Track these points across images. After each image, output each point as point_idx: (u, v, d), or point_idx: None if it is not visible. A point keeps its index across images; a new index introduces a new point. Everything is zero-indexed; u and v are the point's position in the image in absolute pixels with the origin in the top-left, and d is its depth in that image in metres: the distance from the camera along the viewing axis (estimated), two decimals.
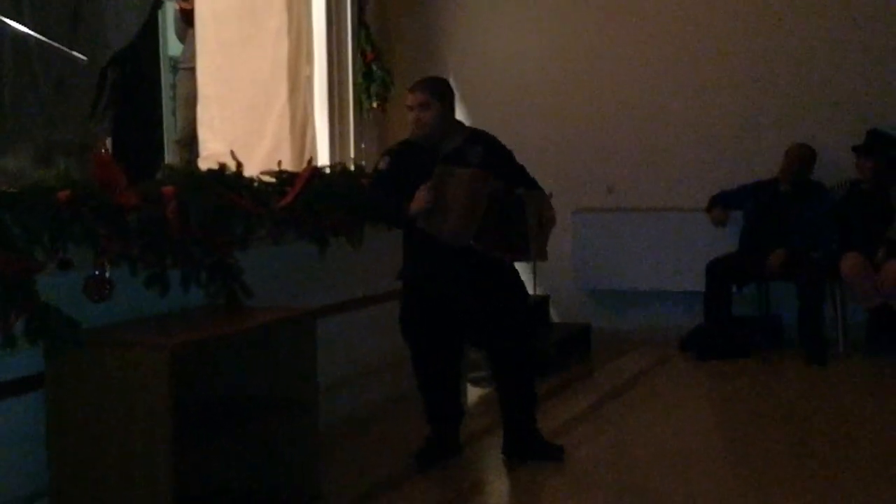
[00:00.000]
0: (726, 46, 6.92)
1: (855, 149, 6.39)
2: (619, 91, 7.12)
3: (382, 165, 4.29)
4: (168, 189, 3.81)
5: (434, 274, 4.18)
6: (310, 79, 5.96)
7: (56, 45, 5.39)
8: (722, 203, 6.60)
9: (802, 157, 6.44)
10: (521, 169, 4.31)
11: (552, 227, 4.17)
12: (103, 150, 3.81)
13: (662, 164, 7.05)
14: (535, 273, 5.83)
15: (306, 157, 5.53)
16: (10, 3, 6.20)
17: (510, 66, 7.25)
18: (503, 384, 4.27)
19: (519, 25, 7.26)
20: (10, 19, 5.00)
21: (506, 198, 4.07)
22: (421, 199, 4.00)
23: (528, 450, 4.23)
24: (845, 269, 6.14)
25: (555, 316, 6.99)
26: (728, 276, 6.37)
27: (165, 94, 6.90)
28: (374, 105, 6.29)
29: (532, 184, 4.24)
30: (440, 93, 4.23)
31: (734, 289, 6.39)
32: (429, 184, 3.99)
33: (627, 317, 7.06)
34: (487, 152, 4.19)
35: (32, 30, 5.27)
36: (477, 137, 4.28)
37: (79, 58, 5.49)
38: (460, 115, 6.94)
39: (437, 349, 4.28)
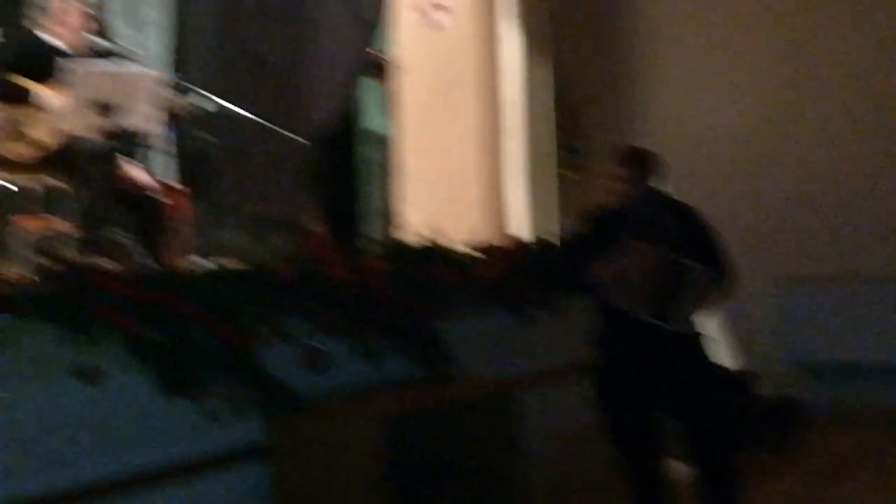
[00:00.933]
0: None
1: None
2: (832, 156, 6.84)
3: (575, 230, 4.32)
4: (376, 263, 3.92)
5: (624, 343, 4.12)
6: (508, 151, 6.04)
7: (270, 125, 5.66)
8: None
9: None
10: (716, 245, 4.19)
11: (703, 304, 4.06)
12: (316, 226, 3.95)
13: (881, 230, 6.68)
14: (735, 344, 5.66)
15: (505, 229, 5.58)
16: (224, 86, 6.60)
17: (711, 131, 7.11)
18: (699, 464, 4.12)
19: (713, 90, 7.14)
20: (226, 101, 5.29)
21: (683, 270, 4.01)
22: (601, 269, 3.99)
23: None
24: None
25: (759, 389, 6.71)
26: None
27: (364, 168, 7.15)
28: (573, 176, 6.29)
29: (723, 264, 4.13)
30: (639, 162, 4.22)
31: None
32: (612, 254, 3.97)
33: (841, 392, 6.69)
34: (683, 225, 4.12)
35: (246, 110, 5.56)
36: (675, 209, 4.23)
37: (295, 139, 5.74)
38: (660, 183, 6.91)
39: (633, 420, 4.17)
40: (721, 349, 6.44)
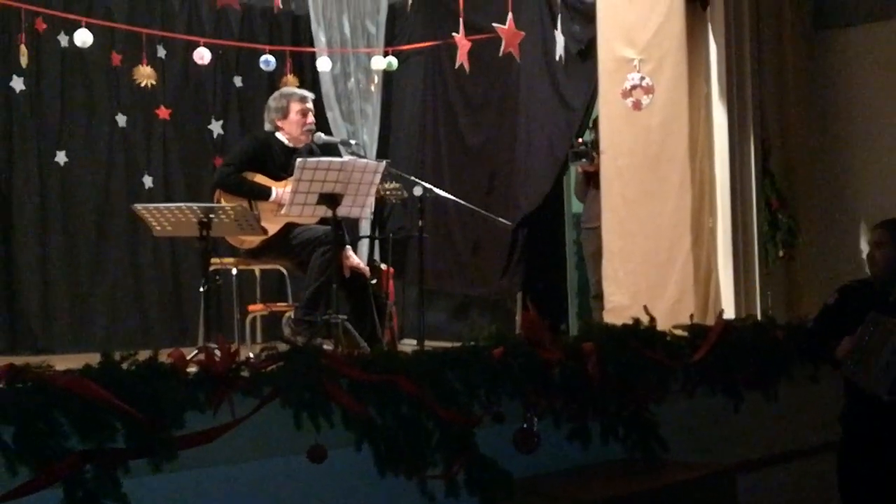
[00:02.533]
0: None
1: None
2: None
3: (830, 301, 4.26)
4: (589, 345, 3.95)
5: (870, 425, 3.94)
6: (713, 230, 5.95)
7: (475, 208, 5.83)
8: None
9: None
10: None
11: None
12: (530, 309, 4.03)
13: None
14: None
15: (711, 310, 5.49)
16: (431, 171, 6.87)
17: None
18: None
19: None
20: (434, 186, 5.51)
21: None
22: (846, 344, 3.86)
23: None
24: None
25: None
26: None
27: (569, 249, 7.23)
28: (781, 254, 6.13)
29: None
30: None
31: None
32: (858, 330, 3.84)
33: None
34: None
35: (453, 195, 5.76)
36: None
37: (501, 222, 5.89)
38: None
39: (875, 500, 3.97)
40: None
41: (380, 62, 7.57)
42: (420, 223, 5.27)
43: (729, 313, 5.71)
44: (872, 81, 7.09)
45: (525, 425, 3.66)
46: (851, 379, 3.88)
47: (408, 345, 4.70)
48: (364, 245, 6.79)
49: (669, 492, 3.82)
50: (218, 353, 3.12)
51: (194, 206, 4.42)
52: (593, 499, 3.44)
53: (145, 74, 6.89)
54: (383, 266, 5.78)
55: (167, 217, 4.45)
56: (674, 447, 4.08)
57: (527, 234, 7.03)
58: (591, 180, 6.56)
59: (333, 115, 7.45)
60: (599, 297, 6.19)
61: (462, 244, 7.37)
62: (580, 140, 6.58)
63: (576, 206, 7.16)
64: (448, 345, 3.81)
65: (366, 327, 5.06)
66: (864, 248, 6.80)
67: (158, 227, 4.54)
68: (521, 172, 7.17)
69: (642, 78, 5.82)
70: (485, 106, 7.49)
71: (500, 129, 7.36)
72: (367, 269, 5.34)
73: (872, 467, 3.96)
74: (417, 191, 5.20)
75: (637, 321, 4.36)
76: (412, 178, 5.39)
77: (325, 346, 3.70)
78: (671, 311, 5.41)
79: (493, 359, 3.57)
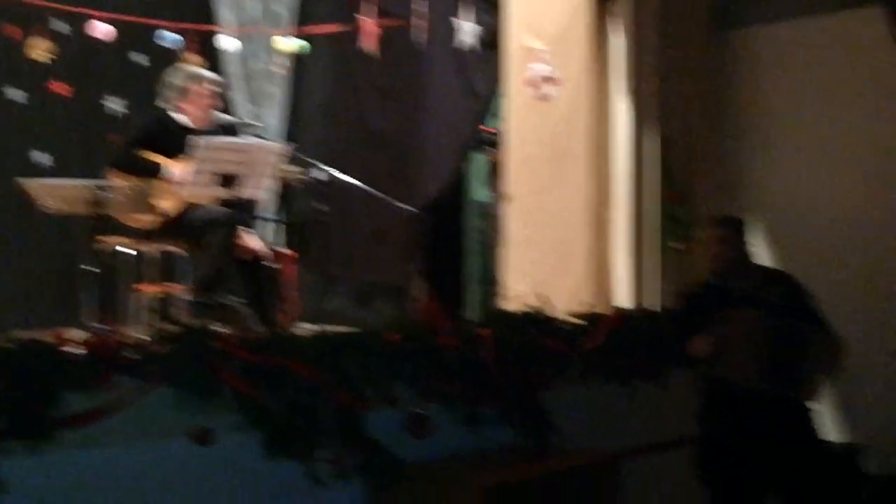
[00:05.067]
0: None
1: None
2: None
3: (678, 307, 4.38)
4: (484, 331, 3.98)
5: (723, 418, 4.07)
6: (613, 222, 6.05)
7: (380, 195, 5.81)
8: None
9: None
10: (818, 315, 4.17)
11: (831, 370, 4.03)
12: (424, 295, 4.04)
13: None
14: (847, 418, 5.50)
15: (609, 300, 5.58)
16: (337, 157, 6.82)
17: (826, 202, 6.99)
18: None
19: (834, 158, 7.01)
20: (339, 171, 5.46)
21: (792, 334, 3.95)
22: (702, 344, 3.96)
23: None
24: None
25: (872, 467, 6.48)
26: None
27: (470, 237, 7.26)
28: (678, 246, 6.27)
29: (827, 328, 4.12)
30: (737, 229, 4.28)
31: None
32: (715, 326, 3.96)
33: None
34: (783, 293, 4.11)
35: (357, 180, 5.73)
36: (774, 277, 4.22)
37: (404, 208, 5.88)
38: (768, 254, 6.82)
39: (736, 495, 4.09)
40: (829, 423, 6.27)
41: (288, 43, 7.48)
42: (323, 208, 5.23)
43: (627, 303, 5.82)
44: (772, 81, 7.28)
45: (418, 411, 3.67)
46: (717, 374, 3.99)
47: (307, 330, 4.65)
48: (264, 228, 6.71)
49: (558, 478, 3.87)
50: (105, 333, 3.05)
51: (87, 182, 4.31)
52: (484, 484, 3.46)
53: (39, 47, 6.66)
54: (284, 250, 5.71)
55: (59, 193, 4.33)
56: (565, 434, 4.12)
57: (429, 221, 7.03)
58: (498, 169, 6.60)
59: (237, 96, 7.34)
60: (499, 284, 6.24)
61: (365, 230, 7.34)
62: (489, 129, 6.62)
63: (478, 193, 7.19)
64: (348, 331, 3.80)
65: (263, 311, 5.00)
66: (758, 243, 7.00)
67: (51, 203, 4.41)
68: (426, 159, 7.17)
69: (547, 69, 5.88)
70: (392, 92, 7.46)
71: (406, 116, 7.35)
72: (268, 252, 5.28)
73: (731, 460, 4.08)
74: (321, 175, 5.16)
75: (534, 309, 4.40)
76: (316, 162, 5.34)
77: (218, 329, 3.64)
78: (570, 300, 5.49)
79: (388, 344, 3.56)
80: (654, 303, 5.90)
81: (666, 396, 4.89)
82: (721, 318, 4.02)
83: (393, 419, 3.63)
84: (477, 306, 6.67)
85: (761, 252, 6.82)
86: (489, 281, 6.84)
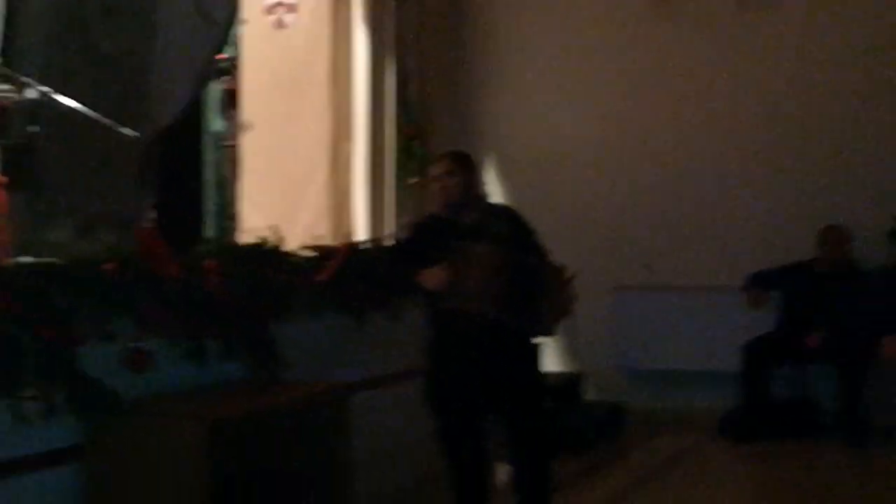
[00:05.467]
0: (764, 128, 6.96)
1: (891, 235, 6.35)
2: (658, 171, 7.16)
3: (402, 236, 4.37)
4: (211, 263, 3.87)
5: (455, 348, 4.16)
6: (350, 154, 6.05)
7: (104, 119, 5.50)
8: (759, 283, 6.57)
9: (837, 239, 6.42)
10: (542, 249, 4.29)
11: (571, 306, 4.15)
12: (147, 224, 3.87)
13: (701, 242, 7.05)
14: (570, 350, 5.81)
15: (345, 232, 5.59)
16: (59, 78, 6.38)
17: (548, 143, 7.32)
18: (517, 466, 4.21)
19: (557, 101, 7.34)
20: (60, 94, 5.13)
21: (530, 269, 4.07)
22: (437, 277, 4.03)
23: None
24: (888, 353, 6.07)
25: (590, 394, 6.93)
26: (766, 356, 6.32)
27: (208, 168, 7.03)
28: (414, 181, 6.35)
29: (550, 264, 4.22)
30: (465, 164, 4.30)
31: (772, 370, 6.33)
32: (446, 263, 4.01)
33: (664, 397, 6.98)
34: (510, 227, 4.20)
35: (81, 104, 5.40)
36: (500, 212, 4.31)
37: (128, 133, 5.60)
38: (499, 190, 7.06)
39: (460, 424, 4.22)
40: (553, 354, 6.62)
41: None
42: (37, 130, 4.88)
43: (363, 236, 5.85)
44: (507, 23, 7.48)
45: (137, 344, 3.53)
46: (454, 307, 4.06)
47: (23, 263, 4.35)
48: None
49: (286, 409, 3.85)
50: None
51: None
52: (209, 417, 3.38)
53: None
54: None
55: None
56: (296, 367, 4.11)
57: (162, 151, 6.74)
58: (235, 98, 6.41)
59: None
60: (232, 216, 6.11)
61: (89, 157, 6.94)
62: (222, 56, 6.39)
63: (215, 123, 6.97)
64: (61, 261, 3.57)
65: None
66: (491, 177, 7.23)
67: None
68: (158, 86, 6.84)
69: None
70: (121, 13, 7.04)
71: (136, 39, 6.96)
72: None
73: (458, 388, 4.19)
74: (33, 94, 4.81)
75: (263, 240, 4.33)
76: (31, 81, 4.97)
77: None
78: (306, 233, 5.45)
79: (102, 274, 3.39)
80: (390, 236, 5.97)
81: (397, 328, 4.98)
82: (453, 249, 4.05)
83: (111, 354, 3.47)
84: (213, 239, 6.49)
85: (493, 188, 7.07)
86: (226, 213, 6.68)
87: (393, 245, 4.52)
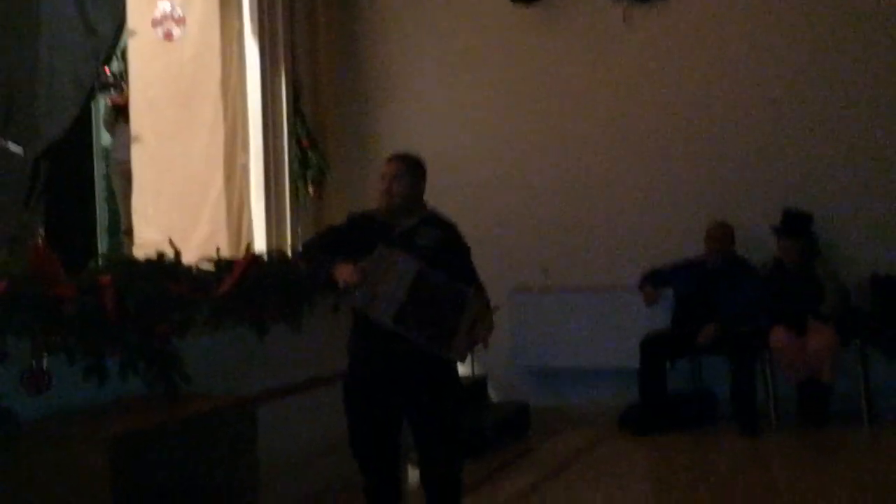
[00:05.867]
0: (652, 131, 7.15)
1: (775, 230, 6.59)
2: (551, 174, 7.30)
3: (338, 223, 4.28)
4: (105, 279, 3.81)
5: (372, 352, 4.15)
6: (245, 166, 6.01)
7: None
8: (652, 281, 6.75)
9: (723, 236, 6.63)
10: (472, 270, 4.24)
11: (486, 336, 4.08)
12: (39, 242, 3.79)
13: (595, 244, 7.21)
14: (472, 352, 5.85)
15: (243, 244, 5.55)
16: None
17: (443, 149, 7.36)
18: (427, 470, 4.23)
19: (450, 109, 7.43)
20: None
21: (449, 290, 4.05)
22: (347, 273, 3.93)
23: None
24: (774, 344, 6.31)
25: (493, 395, 7.02)
26: (661, 352, 6.49)
27: (98, 184, 6.91)
28: (310, 191, 6.35)
29: (477, 288, 4.16)
30: (415, 169, 4.22)
31: (668, 365, 6.51)
32: (364, 261, 3.96)
33: (565, 395, 7.12)
34: (443, 239, 4.14)
35: None
36: (437, 221, 4.22)
37: (13, 149, 5.47)
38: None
39: (374, 427, 4.21)
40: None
41: None
42: None
43: (261, 248, 5.82)
44: (395, 37, 7.53)
45: (34, 364, 3.46)
46: (359, 308, 4.04)
47: None
48: None
49: (189, 423, 3.81)
50: None
51: None
52: (109, 435, 3.33)
53: None
54: None
55: None
56: (198, 380, 4.07)
57: (50, 166, 6.59)
58: (121, 113, 6.32)
59: None
60: (130, 232, 6.01)
61: None
62: (108, 70, 6.30)
63: (105, 138, 6.85)
64: None
65: None
66: None
67: None
68: (44, 100, 6.68)
69: (173, 8, 5.69)
70: (3, 27, 6.85)
71: (19, 53, 6.78)
72: None
73: (372, 391, 4.18)
74: None
75: (161, 254, 4.28)
76: None
77: None
78: (203, 246, 5.40)
79: None
80: (287, 246, 5.96)
81: (301, 338, 4.97)
82: (375, 256, 3.96)
83: (6, 375, 3.39)
84: (107, 255, 6.38)
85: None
86: (119, 229, 6.57)
87: (320, 232, 4.34)
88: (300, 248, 4.36)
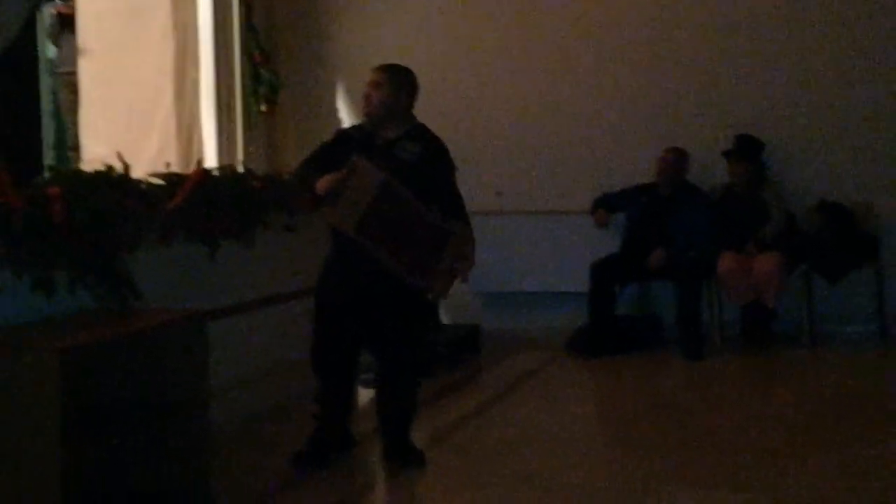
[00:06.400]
0: (605, 56, 7.15)
1: (726, 154, 6.66)
2: (505, 97, 7.28)
3: (327, 139, 4.27)
4: (54, 190, 3.74)
5: (345, 271, 4.15)
6: (196, 81, 5.91)
7: None
8: (604, 206, 6.80)
9: (676, 161, 6.68)
10: (453, 191, 4.21)
11: (466, 271, 4.13)
12: None
13: (547, 168, 7.23)
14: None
15: (194, 160, 5.49)
16: None
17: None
18: (383, 394, 4.27)
19: (405, 28, 7.34)
20: None
21: (437, 224, 4.03)
22: (325, 182, 3.94)
23: (394, 455, 4.23)
24: (721, 269, 6.40)
25: (446, 317, 7.07)
26: (611, 276, 6.57)
27: (44, 97, 6.73)
28: (263, 108, 6.27)
29: (456, 213, 4.16)
30: (397, 79, 4.14)
31: (617, 289, 6.59)
32: (341, 170, 3.93)
33: (516, 318, 7.19)
34: (425, 154, 4.10)
35: None
36: (422, 136, 4.16)
37: None
38: (348, 118, 7.03)
39: (336, 340, 4.22)
40: None
41: None
42: None
43: (212, 164, 5.76)
44: None
45: None
46: (326, 216, 4.03)
47: None
48: None
49: (138, 337, 3.79)
50: None
51: None
52: (59, 347, 3.30)
53: None
54: None
55: None
56: (149, 295, 4.03)
57: None
58: (67, 24, 6.14)
59: None
60: (77, 147, 5.89)
61: None
62: None
63: (51, 50, 6.66)
64: None
65: None
66: (342, 105, 7.20)
67: None
68: None
69: None
70: None
71: None
72: None
73: (337, 305, 4.19)
74: None
75: (110, 168, 4.20)
76: None
77: None
78: (153, 161, 5.34)
79: None
80: (238, 163, 5.90)
81: (254, 257, 4.94)
82: (348, 164, 3.93)
83: None
84: (55, 168, 6.26)
85: (343, 115, 7.04)
86: (66, 144, 6.44)
87: (319, 146, 4.32)
88: (301, 163, 4.29)
